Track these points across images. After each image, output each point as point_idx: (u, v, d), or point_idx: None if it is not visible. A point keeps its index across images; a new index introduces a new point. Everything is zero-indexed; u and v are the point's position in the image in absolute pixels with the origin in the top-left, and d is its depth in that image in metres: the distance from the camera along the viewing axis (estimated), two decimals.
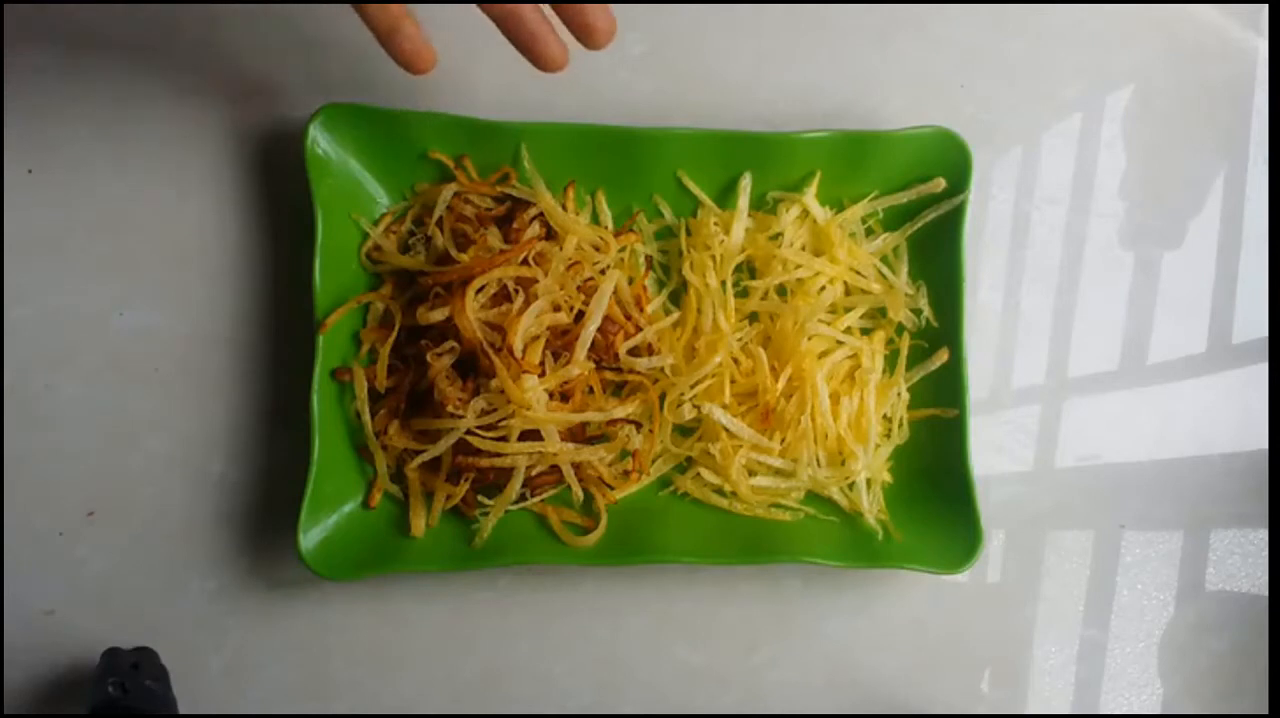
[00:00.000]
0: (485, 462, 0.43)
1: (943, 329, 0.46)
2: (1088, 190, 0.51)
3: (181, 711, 0.43)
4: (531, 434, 0.43)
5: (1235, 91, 0.52)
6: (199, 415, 0.46)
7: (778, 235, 0.47)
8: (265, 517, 0.46)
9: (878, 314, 0.47)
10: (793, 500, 0.46)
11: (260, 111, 0.47)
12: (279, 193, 0.47)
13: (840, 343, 0.46)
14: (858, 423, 0.46)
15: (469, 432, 0.43)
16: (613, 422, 0.45)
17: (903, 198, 0.47)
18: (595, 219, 0.47)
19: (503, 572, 0.47)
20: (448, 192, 0.45)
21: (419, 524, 0.44)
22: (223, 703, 0.46)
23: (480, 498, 0.44)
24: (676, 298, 0.47)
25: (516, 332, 0.43)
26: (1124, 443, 0.49)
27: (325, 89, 0.47)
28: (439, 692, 0.46)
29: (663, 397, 0.46)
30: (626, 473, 0.46)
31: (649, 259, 0.47)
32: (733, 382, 0.46)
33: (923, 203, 0.47)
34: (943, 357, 0.46)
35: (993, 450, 0.49)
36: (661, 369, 0.45)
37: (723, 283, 0.46)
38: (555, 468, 0.44)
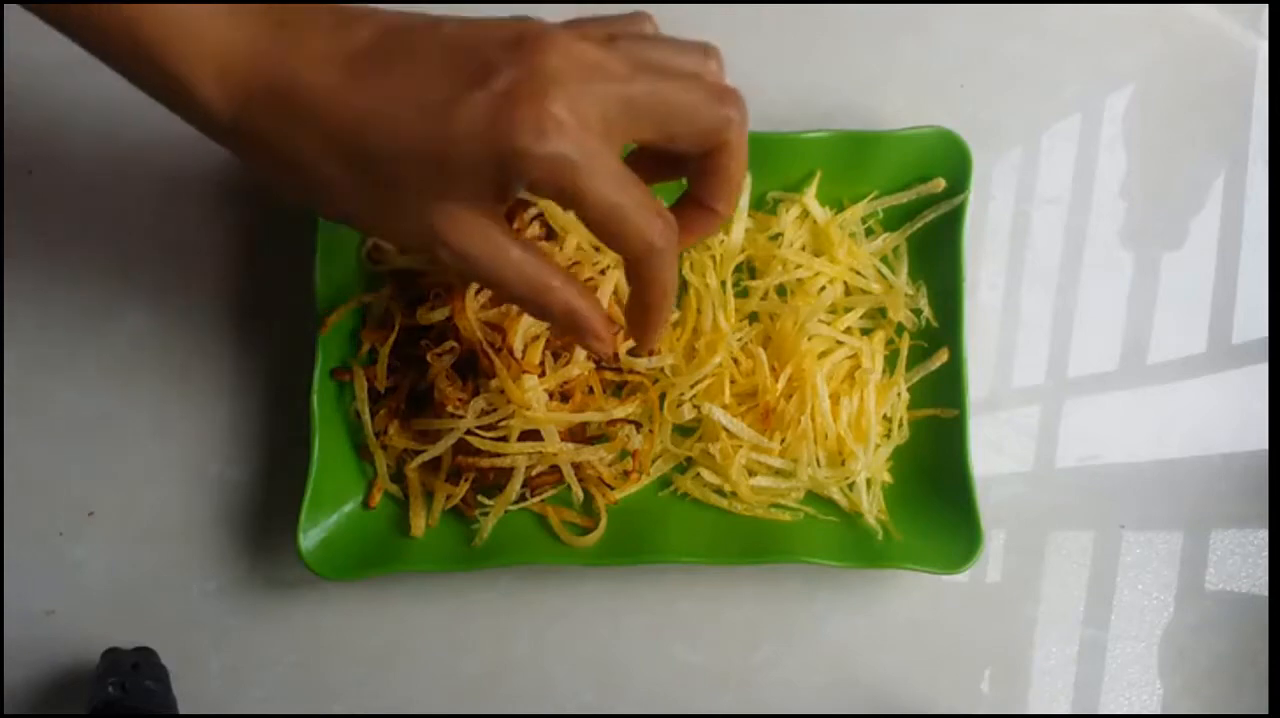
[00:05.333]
0: (485, 462, 0.43)
1: (943, 329, 0.46)
2: (1088, 190, 0.51)
3: (181, 711, 0.43)
4: (531, 434, 0.43)
5: (1235, 91, 0.52)
6: (199, 416, 0.46)
7: (778, 235, 0.47)
8: (265, 517, 0.46)
9: (878, 314, 0.47)
10: (793, 500, 0.46)
11: None
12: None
13: (840, 343, 0.46)
14: (858, 423, 0.46)
15: (469, 432, 0.43)
16: (613, 422, 0.45)
17: (903, 198, 0.47)
18: None
19: (503, 572, 0.47)
20: None
21: (419, 524, 0.44)
22: (223, 703, 0.46)
23: (480, 498, 0.44)
24: (677, 298, 0.47)
25: (516, 332, 0.43)
26: (1124, 443, 0.49)
27: None
28: (439, 692, 0.46)
29: (663, 397, 0.46)
30: (626, 473, 0.46)
31: None
32: (733, 382, 0.46)
33: (923, 203, 0.47)
34: (943, 357, 0.46)
35: (993, 450, 0.49)
36: (661, 369, 0.45)
37: (723, 283, 0.46)
38: (555, 468, 0.44)
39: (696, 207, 0.35)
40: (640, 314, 0.35)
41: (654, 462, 0.46)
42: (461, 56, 0.30)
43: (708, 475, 0.46)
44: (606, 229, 0.32)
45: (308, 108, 0.30)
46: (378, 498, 0.45)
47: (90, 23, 0.31)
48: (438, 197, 0.31)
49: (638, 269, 0.33)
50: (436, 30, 0.31)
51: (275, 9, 0.31)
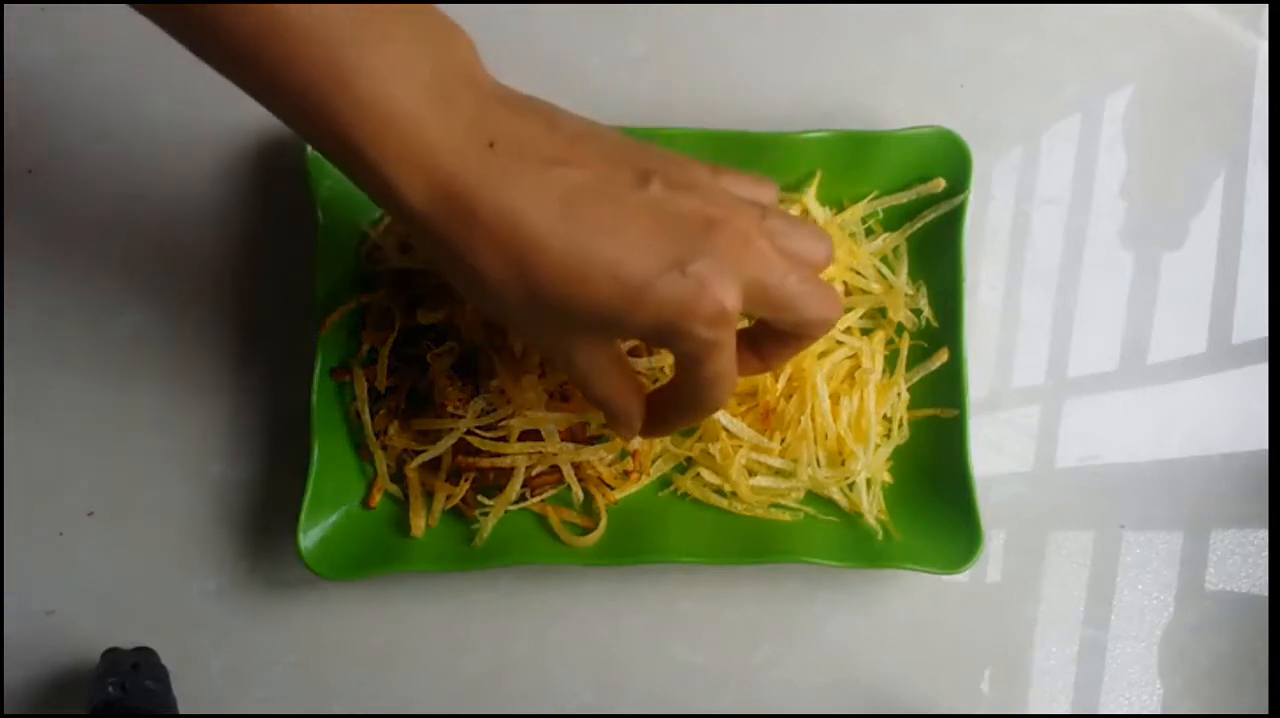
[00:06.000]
0: (485, 462, 0.43)
1: (943, 329, 0.46)
2: (1088, 190, 0.51)
3: (181, 711, 0.43)
4: (531, 434, 0.43)
5: (1235, 91, 0.52)
6: (199, 415, 0.46)
7: None
8: (265, 517, 0.46)
9: (878, 314, 0.47)
10: (793, 500, 0.46)
11: (260, 111, 0.47)
12: (279, 193, 0.47)
13: (840, 343, 0.46)
14: (858, 423, 0.46)
15: (469, 432, 0.43)
16: None
17: (903, 198, 0.47)
18: None
19: (503, 572, 0.47)
20: None
21: (419, 524, 0.44)
22: (223, 703, 0.46)
23: (480, 498, 0.44)
24: None
25: None
26: (1124, 443, 0.49)
27: None
28: (439, 692, 0.46)
29: None
30: (626, 473, 0.46)
31: None
32: None
33: (923, 203, 0.47)
34: (943, 357, 0.46)
35: (993, 450, 0.49)
36: (661, 369, 0.45)
37: None
38: (555, 468, 0.44)
39: (750, 352, 0.38)
40: (668, 414, 0.38)
41: (654, 462, 0.46)
42: (662, 231, 0.32)
43: (708, 475, 0.46)
44: (701, 389, 0.35)
45: (514, 241, 0.31)
46: (378, 498, 0.45)
47: (292, 114, 0.32)
48: (591, 335, 0.34)
49: (694, 407, 0.36)
50: (644, 190, 0.33)
51: (485, 125, 0.32)
